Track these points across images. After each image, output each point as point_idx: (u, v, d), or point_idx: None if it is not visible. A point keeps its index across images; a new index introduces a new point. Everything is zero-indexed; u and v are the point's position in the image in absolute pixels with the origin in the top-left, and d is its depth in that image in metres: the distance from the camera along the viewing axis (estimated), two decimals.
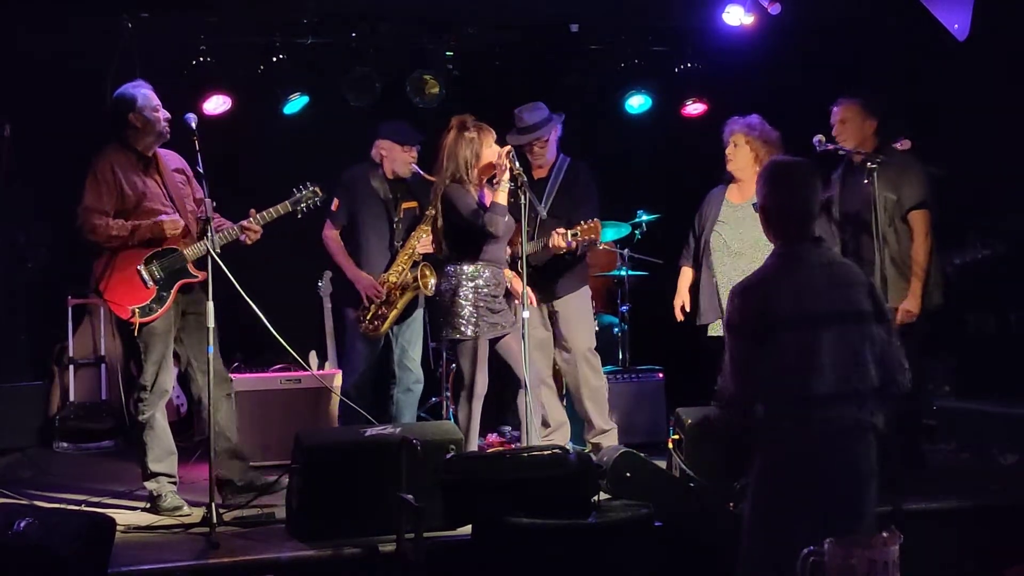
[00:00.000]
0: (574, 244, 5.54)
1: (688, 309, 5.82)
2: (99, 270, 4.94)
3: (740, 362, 3.40)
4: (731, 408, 3.48)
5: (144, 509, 4.95)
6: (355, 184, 5.75)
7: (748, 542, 3.46)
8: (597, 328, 6.20)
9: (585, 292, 5.94)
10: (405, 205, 5.89)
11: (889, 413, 3.51)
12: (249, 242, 5.06)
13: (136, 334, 4.91)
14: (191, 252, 4.96)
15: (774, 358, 3.36)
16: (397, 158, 5.84)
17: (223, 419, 5.04)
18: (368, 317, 5.71)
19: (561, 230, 5.51)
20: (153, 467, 4.95)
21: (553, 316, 5.87)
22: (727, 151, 5.62)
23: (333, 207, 5.82)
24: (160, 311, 4.91)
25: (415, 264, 5.75)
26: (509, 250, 5.55)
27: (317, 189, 5.22)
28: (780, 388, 3.37)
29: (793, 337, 3.35)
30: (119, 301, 4.89)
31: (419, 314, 5.93)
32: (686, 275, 5.87)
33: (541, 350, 5.88)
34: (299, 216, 5.37)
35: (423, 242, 5.72)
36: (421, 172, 5.76)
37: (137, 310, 4.87)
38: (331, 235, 5.85)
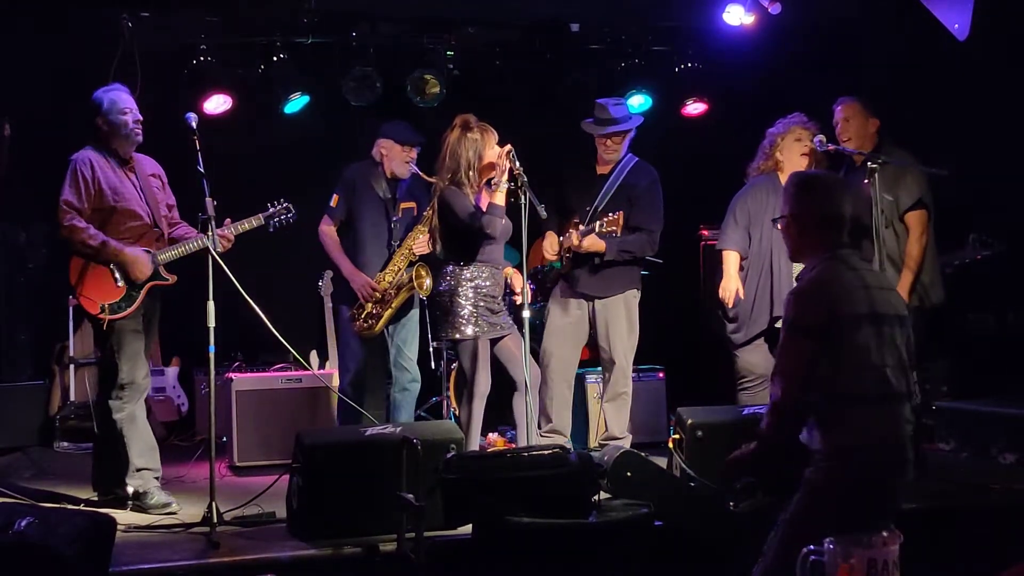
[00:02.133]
0: (585, 243, 5.53)
1: (743, 296, 5.64)
2: (75, 265, 4.98)
3: (804, 362, 3.36)
4: (785, 413, 3.41)
5: (131, 508, 4.95)
6: (356, 181, 5.75)
7: (791, 543, 3.38)
8: None
9: (632, 296, 5.80)
10: (404, 205, 5.89)
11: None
12: (221, 250, 5.05)
13: (104, 329, 4.94)
14: (163, 256, 5.01)
15: (851, 357, 3.35)
16: (396, 157, 5.84)
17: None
18: (363, 316, 5.70)
19: (581, 227, 5.51)
20: (136, 462, 4.96)
21: (594, 316, 5.79)
22: (808, 145, 5.46)
23: (332, 203, 5.82)
24: (129, 310, 4.95)
25: (411, 264, 5.73)
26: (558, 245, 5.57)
27: (289, 206, 5.24)
28: (858, 387, 3.35)
29: (857, 337, 3.35)
30: (91, 296, 4.93)
31: (414, 314, 5.91)
32: (733, 259, 5.67)
33: (573, 348, 5.83)
34: (271, 231, 5.35)
35: (419, 242, 5.71)
36: (420, 172, 5.76)
37: (107, 307, 4.92)
38: (327, 230, 5.83)
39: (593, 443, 6.20)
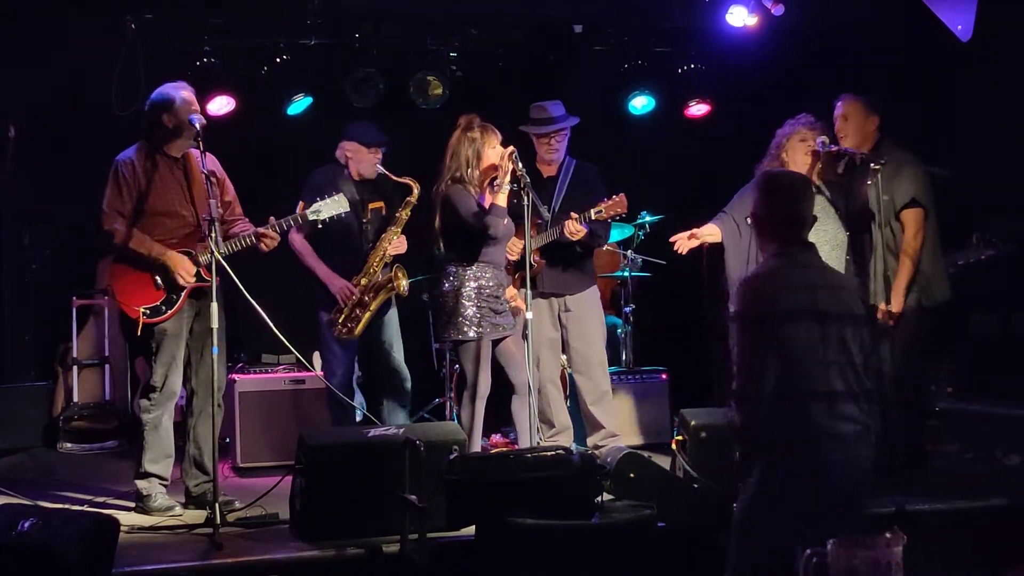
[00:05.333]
0: (588, 229, 5.55)
1: (683, 246, 5.62)
2: (111, 269, 4.98)
3: (753, 352, 3.42)
4: (745, 403, 3.46)
5: (133, 509, 4.97)
6: (322, 186, 5.65)
7: (741, 538, 3.47)
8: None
9: (595, 292, 5.93)
10: (372, 206, 5.84)
11: (886, 415, 3.53)
12: (266, 249, 5.03)
13: (140, 333, 4.92)
14: (205, 257, 4.95)
15: (777, 353, 3.39)
16: (363, 159, 5.81)
17: (201, 428, 5.06)
18: (341, 320, 5.66)
19: (575, 215, 5.51)
20: (148, 467, 4.97)
21: (563, 315, 5.85)
22: (812, 145, 5.41)
23: (299, 210, 5.74)
24: (169, 313, 4.92)
25: (387, 265, 5.72)
26: (515, 251, 5.57)
27: (341, 198, 5.18)
28: (782, 383, 3.38)
29: (795, 332, 3.39)
30: (129, 302, 4.92)
31: (394, 314, 5.87)
32: (710, 226, 5.65)
33: (551, 349, 5.86)
34: (319, 226, 5.34)
35: (394, 243, 5.70)
36: (387, 173, 5.74)
37: (147, 311, 4.90)
38: (297, 238, 5.74)
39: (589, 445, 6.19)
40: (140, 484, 4.97)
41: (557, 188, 5.84)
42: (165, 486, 5.03)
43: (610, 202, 5.48)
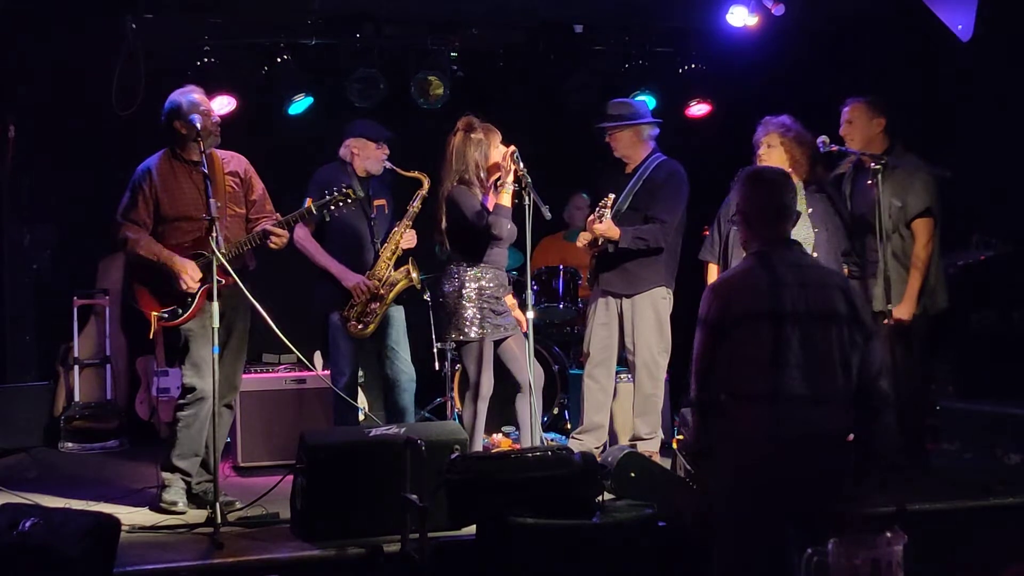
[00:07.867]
0: (599, 228, 5.56)
1: None
2: (132, 273, 5.01)
3: (705, 357, 3.45)
4: (698, 407, 3.49)
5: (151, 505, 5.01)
6: (331, 183, 5.64)
7: (719, 542, 3.48)
8: None
9: (659, 293, 5.74)
10: (376, 202, 5.88)
11: (875, 417, 3.52)
12: (274, 246, 5.02)
13: (150, 337, 4.96)
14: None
15: (742, 354, 3.39)
16: (370, 155, 5.82)
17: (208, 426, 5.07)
18: (355, 315, 5.68)
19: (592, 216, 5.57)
20: (175, 461, 4.98)
21: (622, 315, 5.78)
22: (760, 152, 5.44)
23: (307, 205, 5.70)
24: (185, 316, 4.93)
25: (398, 260, 5.74)
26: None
27: (350, 191, 5.15)
28: (747, 385, 3.38)
29: (762, 333, 3.38)
30: (145, 306, 4.95)
31: (401, 313, 5.88)
32: (714, 272, 5.65)
33: (600, 345, 5.81)
34: (327, 219, 5.32)
35: (406, 237, 5.72)
36: (395, 167, 5.77)
37: (165, 314, 4.92)
38: (304, 235, 5.74)
39: (623, 443, 6.15)
40: (164, 475, 5.00)
41: (630, 185, 5.79)
42: (188, 482, 5.03)
43: (602, 201, 5.48)
